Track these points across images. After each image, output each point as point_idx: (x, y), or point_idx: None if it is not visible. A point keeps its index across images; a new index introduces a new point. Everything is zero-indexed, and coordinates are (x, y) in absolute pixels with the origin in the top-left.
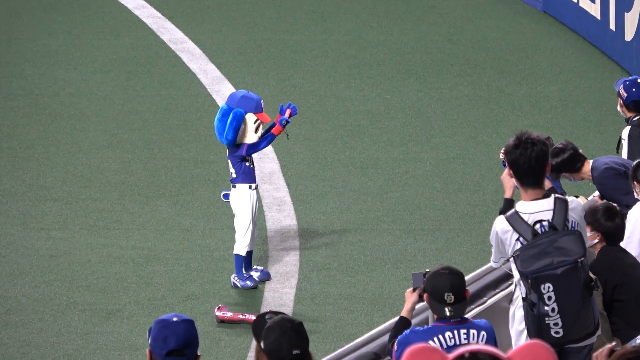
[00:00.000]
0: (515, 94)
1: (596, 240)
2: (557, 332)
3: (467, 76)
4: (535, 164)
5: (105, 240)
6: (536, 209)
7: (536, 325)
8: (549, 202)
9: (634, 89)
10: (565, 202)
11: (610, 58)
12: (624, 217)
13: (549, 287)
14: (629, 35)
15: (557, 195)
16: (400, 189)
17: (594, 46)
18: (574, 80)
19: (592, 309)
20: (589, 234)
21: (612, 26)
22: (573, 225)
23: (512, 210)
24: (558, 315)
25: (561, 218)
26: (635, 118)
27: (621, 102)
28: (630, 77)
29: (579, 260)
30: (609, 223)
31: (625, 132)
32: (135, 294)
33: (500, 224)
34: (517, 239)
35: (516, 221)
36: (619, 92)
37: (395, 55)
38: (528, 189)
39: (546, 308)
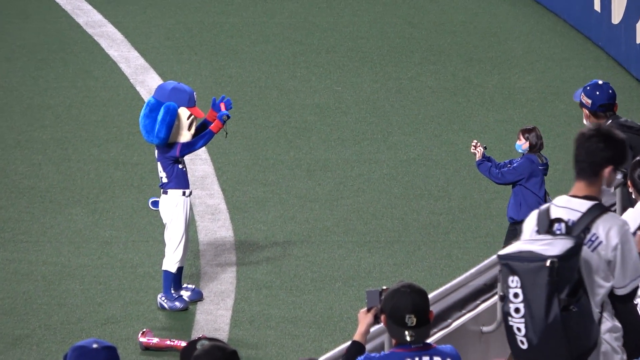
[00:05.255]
0: (486, 85)
1: None
2: (522, 342)
3: (430, 65)
4: (585, 156)
5: (11, 254)
6: (566, 205)
7: (506, 327)
8: (583, 205)
9: (597, 92)
10: (600, 214)
11: (595, 44)
12: None
13: (517, 282)
14: (616, 18)
15: (600, 204)
16: (353, 195)
17: (576, 30)
18: (553, 69)
19: (567, 338)
20: None
21: (597, 7)
22: (592, 239)
23: (551, 201)
24: (522, 320)
25: (582, 225)
26: (608, 122)
27: (587, 112)
28: (589, 82)
29: (549, 261)
30: None
31: None
32: (47, 316)
33: (531, 216)
34: (537, 231)
35: (543, 214)
36: (581, 102)
37: (347, 40)
38: (575, 181)
39: (511, 306)
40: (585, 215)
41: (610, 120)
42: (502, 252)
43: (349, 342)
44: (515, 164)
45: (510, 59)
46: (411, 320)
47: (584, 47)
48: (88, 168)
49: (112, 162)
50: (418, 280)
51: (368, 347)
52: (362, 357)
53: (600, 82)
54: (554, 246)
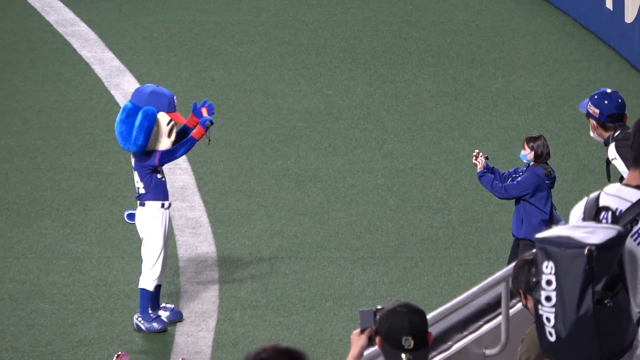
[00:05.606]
0: (489, 88)
1: None
2: (550, 334)
3: (428, 67)
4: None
5: None
6: (617, 193)
7: (535, 316)
8: (634, 194)
9: (606, 102)
10: None
11: (606, 44)
12: None
13: (551, 268)
14: (629, 17)
15: None
16: (345, 207)
17: (586, 29)
18: (561, 72)
19: (598, 334)
20: None
21: (608, 5)
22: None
23: (599, 191)
24: (553, 309)
25: (630, 216)
26: (617, 133)
27: (594, 123)
28: (596, 91)
29: (587, 249)
30: None
31: (612, 152)
32: (14, 339)
33: (579, 204)
34: (583, 219)
35: (592, 202)
36: (588, 112)
37: (339, 40)
38: (630, 168)
39: (542, 293)
40: (635, 205)
41: (619, 132)
42: (540, 235)
43: None
44: (519, 179)
45: (515, 61)
46: (408, 342)
47: (594, 47)
48: (59, 178)
49: (85, 172)
50: (415, 299)
51: None
52: None
53: (608, 90)
54: (596, 234)
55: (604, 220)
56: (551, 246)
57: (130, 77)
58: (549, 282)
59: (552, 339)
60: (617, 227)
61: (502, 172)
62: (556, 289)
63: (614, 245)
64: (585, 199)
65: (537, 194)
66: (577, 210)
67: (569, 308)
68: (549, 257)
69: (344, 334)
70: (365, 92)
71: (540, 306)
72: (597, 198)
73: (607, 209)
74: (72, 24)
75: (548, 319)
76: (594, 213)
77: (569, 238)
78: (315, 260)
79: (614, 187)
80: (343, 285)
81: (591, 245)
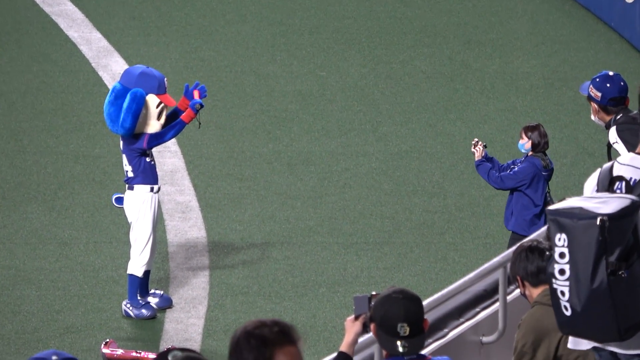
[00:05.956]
0: (486, 70)
1: None
2: (565, 308)
3: (424, 47)
4: None
5: None
6: (630, 162)
7: (550, 290)
8: None
9: (608, 85)
10: None
11: (607, 24)
12: None
13: (564, 240)
14: None
15: None
16: (339, 192)
17: (585, 9)
18: (560, 52)
19: (614, 307)
20: None
21: None
22: None
23: (613, 161)
24: (567, 283)
25: None
26: (619, 117)
27: (596, 106)
28: (598, 74)
29: (599, 219)
30: None
31: (614, 135)
32: (0, 325)
33: (593, 175)
34: (596, 190)
35: (605, 172)
36: (589, 95)
37: (332, 20)
38: None
39: (556, 266)
40: None
41: (620, 115)
42: (553, 206)
43: (334, 354)
44: (516, 169)
45: (513, 41)
46: (404, 329)
47: (594, 28)
48: (45, 161)
49: (72, 155)
50: (410, 285)
51: (356, 359)
52: None
53: (610, 73)
54: (608, 204)
55: (618, 190)
56: (563, 218)
57: (118, 57)
58: (562, 255)
59: (568, 313)
60: (631, 196)
61: (501, 164)
62: (569, 262)
63: (627, 214)
64: (598, 170)
65: (533, 186)
66: (591, 182)
67: (583, 280)
68: (561, 229)
69: (337, 321)
70: (359, 73)
71: (554, 280)
72: (611, 168)
73: (621, 178)
74: (59, 3)
75: (562, 293)
76: (608, 183)
77: (581, 209)
78: (308, 246)
79: (627, 157)
80: (336, 271)
81: (603, 215)
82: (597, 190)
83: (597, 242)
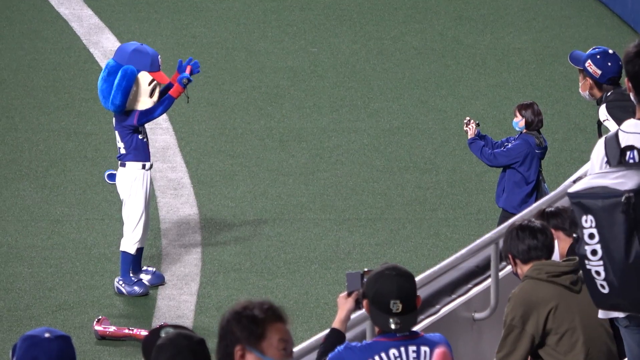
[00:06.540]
0: (477, 45)
1: None
2: (602, 286)
3: (415, 23)
4: None
5: None
6: (636, 129)
7: (583, 271)
8: None
9: (609, 64)
10: None
11: (598, 0)
12: None
13: (591, 221)
14: None
15: None
16: (331, 168)
17: None
18: (551, 28)
19: None
20: None
21: None
22: None
23: (616, 129)
24: (601, 262)
25: None
26: (609, 94)
27: (591, 82)
28: (596, 50)
29: (625, 196)
30: None
31: (604, 113)
32: None
33: (597, 147)
34: (607, 162)
35: (611, 142)
36: (586, 70)
37: None
38: (637, 104)
39: (587, 248)
40: None
41: (610, 92)
42: (572, 189)
43: (327, 330)
44: (509, 146)
45: (504, 17)
46: (396, 306)
47: (585, 3)
48: (37, 138)
49: (64, 132)
50: (403, 261)
51: (348, 335)
52: (342, 346)
53: (610, 51)
54: (629, 178)
55: (630, 160)
56: (587, 199)
57: (109, 34)
58: (591, 236)
59: (605, 290)
60: None
61: (495, 141)
62: (600, 242)
63: None
64: (601, 141)
65: (526, 163)
66: (598, 154)
67: (618, 258)
68: (586, 210)
69: (329, 297)
70: (350, 49)
71: (587, 261)
72: (616, 137)
73: (631, 147)
74: None
75: (598, 273)
76: (619, 154)
77: (603, 187)
78: (300, 222)
79: (631, 124)
80: (328, 248)
81: (628, 191)
82: (608, 163)
83: (626, 219)
